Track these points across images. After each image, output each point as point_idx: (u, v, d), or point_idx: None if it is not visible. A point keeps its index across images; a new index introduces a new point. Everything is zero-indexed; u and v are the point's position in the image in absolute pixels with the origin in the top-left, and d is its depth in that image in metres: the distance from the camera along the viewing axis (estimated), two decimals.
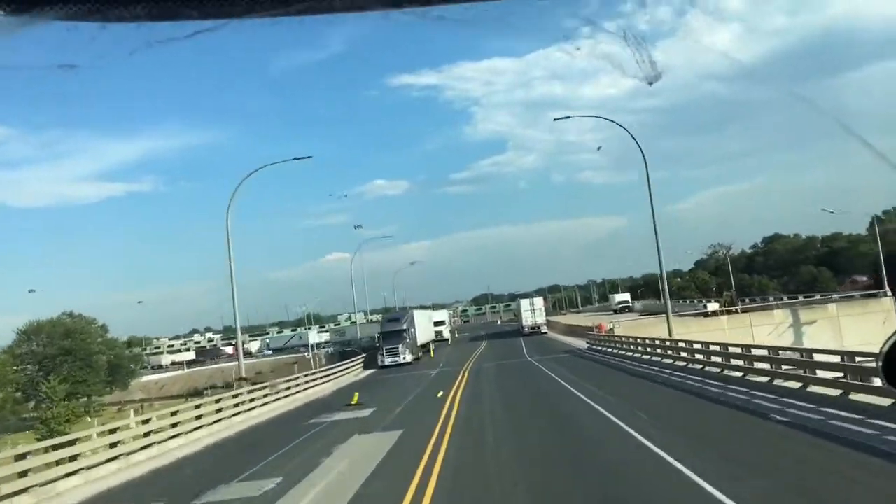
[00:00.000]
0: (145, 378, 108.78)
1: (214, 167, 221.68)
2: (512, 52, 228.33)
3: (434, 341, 70.97)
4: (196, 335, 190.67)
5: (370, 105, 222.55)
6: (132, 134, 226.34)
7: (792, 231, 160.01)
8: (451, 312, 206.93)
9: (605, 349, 45.22)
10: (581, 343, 55.52)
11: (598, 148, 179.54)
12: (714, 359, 25.72)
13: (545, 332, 79.42)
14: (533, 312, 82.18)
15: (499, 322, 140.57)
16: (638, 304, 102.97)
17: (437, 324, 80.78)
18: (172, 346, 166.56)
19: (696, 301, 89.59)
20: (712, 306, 72.11)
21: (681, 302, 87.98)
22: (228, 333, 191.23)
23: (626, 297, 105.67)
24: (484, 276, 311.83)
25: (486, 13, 1.79)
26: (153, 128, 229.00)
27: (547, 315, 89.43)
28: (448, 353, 62.56)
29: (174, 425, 23.80)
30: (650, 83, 2.24)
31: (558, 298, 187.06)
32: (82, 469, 17.99)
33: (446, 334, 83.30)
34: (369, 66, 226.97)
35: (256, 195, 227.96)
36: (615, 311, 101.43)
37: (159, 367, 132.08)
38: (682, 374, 26.41)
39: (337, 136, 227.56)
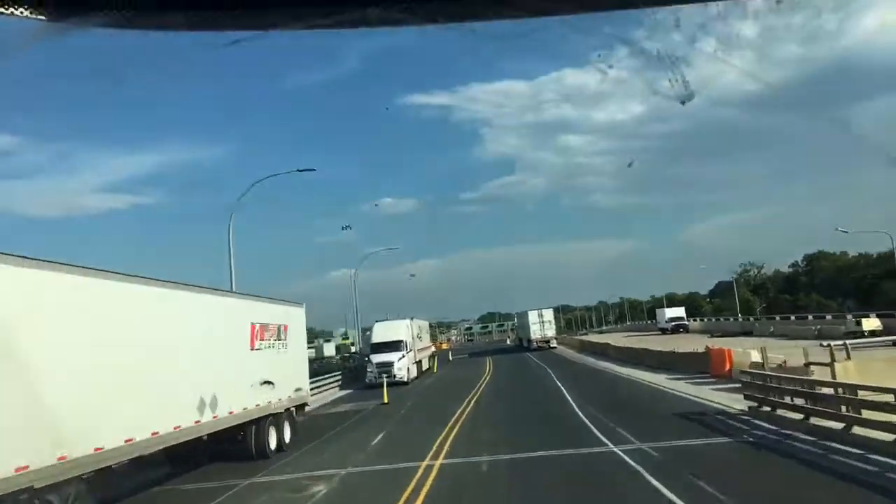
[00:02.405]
0: None
1: (221, 182, 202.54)
2: (524, 75, 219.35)
3: (389, 382, 33.73)
4: None
5: (380, 123, 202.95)
6: (140, 147, 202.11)
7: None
8: (457, 331, 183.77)
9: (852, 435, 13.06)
10: (690, 389, 23.62)
11: (630, 164, 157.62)
12: None
13: (555, 347, 65.92)
14: (542, 325, 67.71)
15: (508, 341, 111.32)
16: (695, 323, 70.43)
17: (379, 347, 39.19)
18: None
19: (796, 316, 57.55)
20: (871, 323, 39.80)
21: (776, 319, 55.40)
22: None
23: (680, 312, 72.76)
24: (491, 296, 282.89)
25: (516, 29, 1.76)
26: (160, 141, 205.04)
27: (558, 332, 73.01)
28: (413, 402, 30.00)
29: None
30: (683, 102, 2.14)
31: (570, 318, 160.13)
32: None
33: (402, 371, 38.08)
34: (381, 84, 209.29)
35: (262, 209, 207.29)
36: (663, 331, 69.21)
37: None
38: None
39: (346, 153, 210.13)
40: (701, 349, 34.52)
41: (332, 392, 36.94)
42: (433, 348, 76.17)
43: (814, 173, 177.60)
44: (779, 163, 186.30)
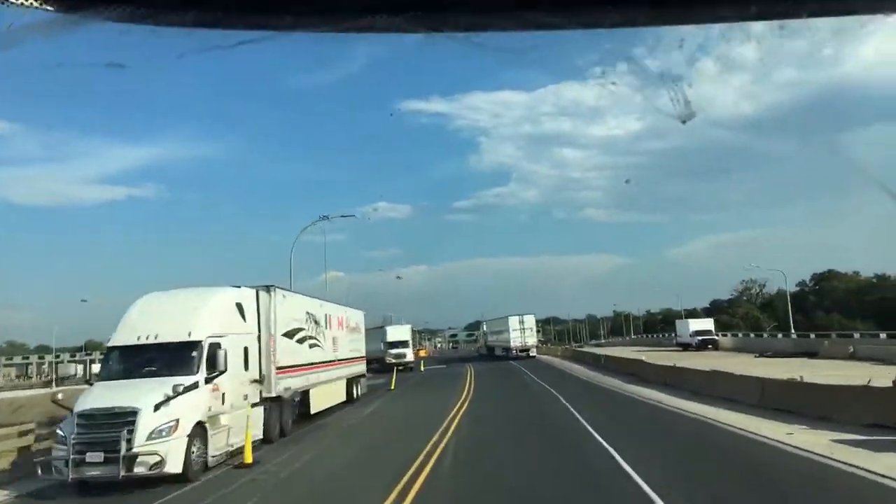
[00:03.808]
0: None
1: (218, 179, 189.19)
2: (523, 86, 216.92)
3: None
4: None
5: (378, 128, 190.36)
6: (138, 140, 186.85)
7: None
8: (441, 339, 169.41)
9: None
10: None
11: (627, 181, 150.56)
12: None
13: (534, 356, 59.25)
14: (522, 332, 60.14)
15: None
16: (725, 339, 54.62)
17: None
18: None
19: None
20: None
21: (856, 336, 39.66)
22: None
23: (708, 324, 56.65)
24: (479, 305, 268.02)
25: (520, 43, 1.72)
26: (159, 135, 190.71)
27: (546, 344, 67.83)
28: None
29: None
30: (683, 122, 1.99)
31: (561, 329, 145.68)
32: None
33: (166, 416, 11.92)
34: (381, 90, 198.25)
35: (253, 211, 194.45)
36: (685, 347, 53.63)
37: None
38: None
39: (342, 156, 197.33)
40: (756, 371, 22.36)
41: None
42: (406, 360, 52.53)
43: (807, 196, 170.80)
44: (772, 185, 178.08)
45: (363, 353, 29.39)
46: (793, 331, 47.74)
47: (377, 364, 51.05)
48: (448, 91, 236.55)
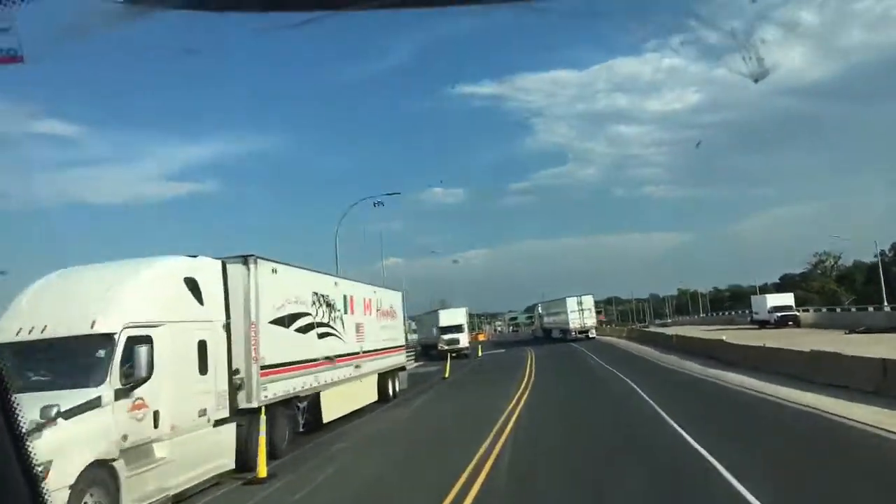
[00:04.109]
0: None
1: (272, 172, 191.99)
2: (575, 64, 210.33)
3: None
4: None
5: (430, 114, 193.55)
6: (197, 137, 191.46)
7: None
8: (501, 322, 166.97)
9: None
10: None
11: (697, 144, 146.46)
12: None
13: (593, 337, 58.08)
14: (581, 313, 59.35)
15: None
16: (805, 314, 50.10)
17: None
18: None
19: None
20: None
21: None
22: None
23: (788, 299, 52.09)
24: (539, 287, 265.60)
25: (582, 7, 1.63)
26: (218, 132, 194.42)
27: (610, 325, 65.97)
28: None
29: None
30: (756, 80, 1.91)
31: (623, 309, 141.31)
32: None
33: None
34: (431, 75, 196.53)
35: (313, 201, 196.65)
36: (762, 324, 49.46)
37: None
38: None
39: (395, 144, 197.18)
40: (856, 349, 18.69)
41: None
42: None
43: (874, 164, 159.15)
44: (837, 154, 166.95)
45: (401, 342, 24.90)
46: (885, 303, 43.01)
47: (435, 351, 48.94)
48: (498, 74, 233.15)
